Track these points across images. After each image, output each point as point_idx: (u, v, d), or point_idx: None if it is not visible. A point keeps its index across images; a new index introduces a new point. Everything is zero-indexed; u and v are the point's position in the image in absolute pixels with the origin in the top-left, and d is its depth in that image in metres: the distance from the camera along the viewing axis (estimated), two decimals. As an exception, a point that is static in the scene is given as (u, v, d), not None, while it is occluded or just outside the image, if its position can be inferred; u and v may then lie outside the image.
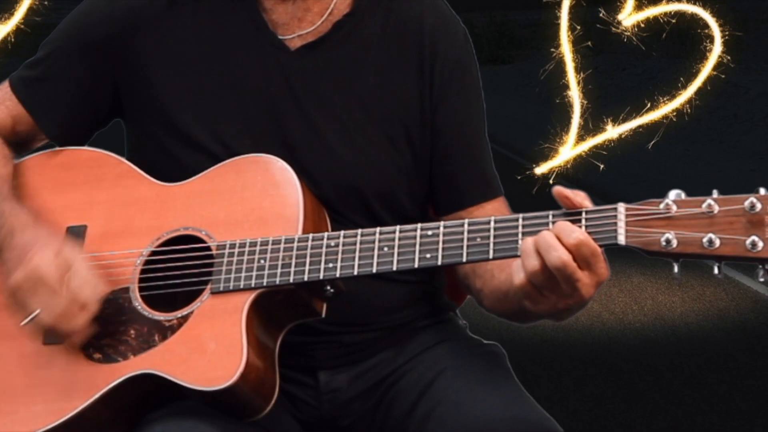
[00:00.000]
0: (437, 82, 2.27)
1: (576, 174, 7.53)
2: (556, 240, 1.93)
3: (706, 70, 6.85)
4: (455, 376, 2.19)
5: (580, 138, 6.41)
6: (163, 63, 2.25)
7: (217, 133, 2.23)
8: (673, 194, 1.93)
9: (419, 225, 2.05)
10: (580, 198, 1.97)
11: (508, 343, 2.41)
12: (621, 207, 1.94)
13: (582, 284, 1.94)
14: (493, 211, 2.27)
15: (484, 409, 2.09)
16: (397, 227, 2.06)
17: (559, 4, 6.73)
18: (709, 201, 1.90)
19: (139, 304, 2.12)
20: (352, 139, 2.23)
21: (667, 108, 7.19)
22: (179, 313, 2.09)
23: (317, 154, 2.22)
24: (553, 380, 5.62)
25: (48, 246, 2.10)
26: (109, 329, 2.12)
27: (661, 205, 1.92)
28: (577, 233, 1.93)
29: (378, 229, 2.07)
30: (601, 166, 7.51)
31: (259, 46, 2.24)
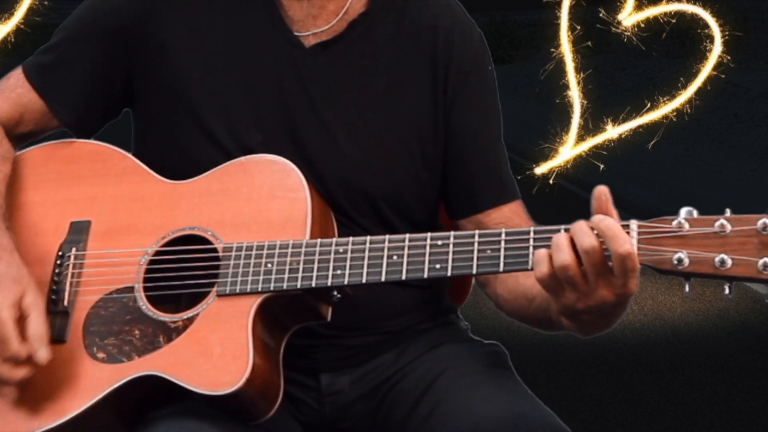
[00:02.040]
0: (452, 85, 2.26)
1: (576, 174, 7.54)
2: (589, 228, 1.92)
3: (706, 70, 6.85)
4: (457, 376, 2.18)
5: (580, 138, 6.41)
6: (178, 51, 2.24)
7: (228, 125, 2.22)
8: (684, 212, 1.91)
9: (429, 234, 2.04)
10: (612, 210, 1.94)
11: (508, 343, 2.42)
12: (633, 224, 1.93)
13: (606, 282, 1.92)
14: (510, 213, 2.27)
15: (487, 406, 2.09)
16: (407, 236, 2.05)
17: (559, 4, 6.73)
18: (722, 220, 1.88)
19: (143, 304, 2.12)
20: (362, 139, 2.23)
21: (667, 108, 7.19)
22: (184, 315, 2.09)
23: (326, 153, 2.22)
24: (553, 380, 5.62)
25: (14, 286, 2.09)
26: (113, 329, 2.11)
27: (674, 223, 1.90)
28: (609, 222, 1.91)
29: (387, 237, 2.06)
30: (601, 166, 7.50)
31: (274, 42, 2.24)
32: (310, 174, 2.16)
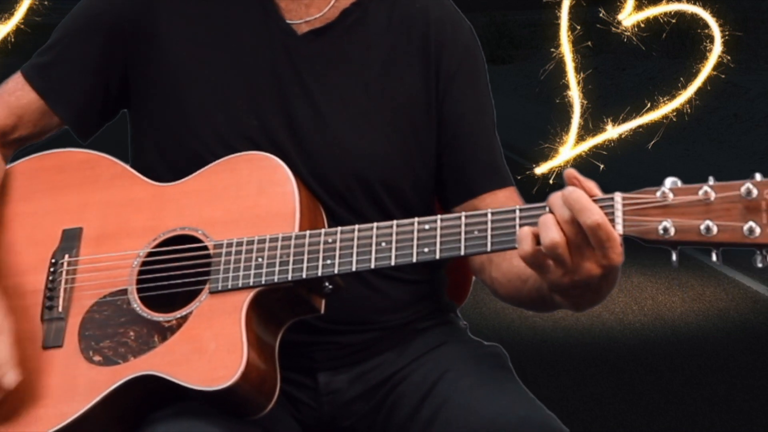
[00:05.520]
0: (444, 73, 2.28)
1: (576, 174, 7.54)
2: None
3: (706, 70, 6.86)
4: (458, 378, 2.18)
5: (580, 138, 6.42)
6: (173, 43, 2.26)
7: (226, 114, 2.23)
8: (669, 182, 1.92)
9: (416, 219, 2.05)
10: (590, 185, 1.94)
11: (508, 343, 2.41)
12: (618, 196, 1.93)
13: (589, 254, 1.91)
14: (505, 199, 2.27)
15: (490, 409, 2.09)
16: (394, 222, 2.06)
17: (559, 4, 6.75)
18: (706, 188, 1.89)
19: (137, 305, 2.12)
20: (357, 126, 2.24)
21: (667, 108, 7.20)
22: (178, 314, 2.09)
23: (322, 139, 2.23)
24: (553, 380, 5.62)
25: None
26: (108, 331, 2.12)
27: (658, 194, 1.91)
28: (576, 195, 1.90)
29: (375, 225, 2.06)
30: (601, 166, 7.51)
31: (267, 31, 2.26)
32: (306, 160, 2.18)
